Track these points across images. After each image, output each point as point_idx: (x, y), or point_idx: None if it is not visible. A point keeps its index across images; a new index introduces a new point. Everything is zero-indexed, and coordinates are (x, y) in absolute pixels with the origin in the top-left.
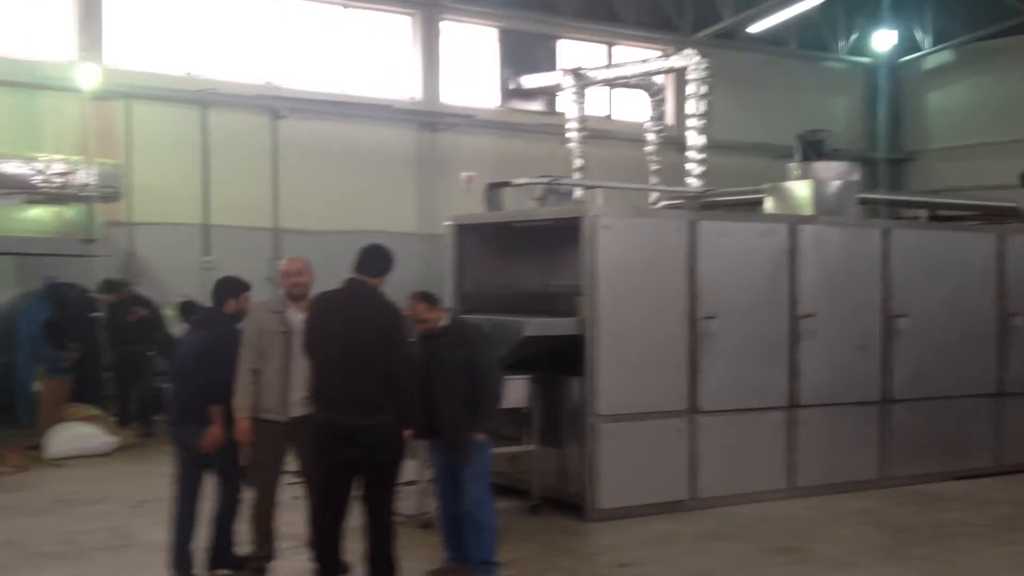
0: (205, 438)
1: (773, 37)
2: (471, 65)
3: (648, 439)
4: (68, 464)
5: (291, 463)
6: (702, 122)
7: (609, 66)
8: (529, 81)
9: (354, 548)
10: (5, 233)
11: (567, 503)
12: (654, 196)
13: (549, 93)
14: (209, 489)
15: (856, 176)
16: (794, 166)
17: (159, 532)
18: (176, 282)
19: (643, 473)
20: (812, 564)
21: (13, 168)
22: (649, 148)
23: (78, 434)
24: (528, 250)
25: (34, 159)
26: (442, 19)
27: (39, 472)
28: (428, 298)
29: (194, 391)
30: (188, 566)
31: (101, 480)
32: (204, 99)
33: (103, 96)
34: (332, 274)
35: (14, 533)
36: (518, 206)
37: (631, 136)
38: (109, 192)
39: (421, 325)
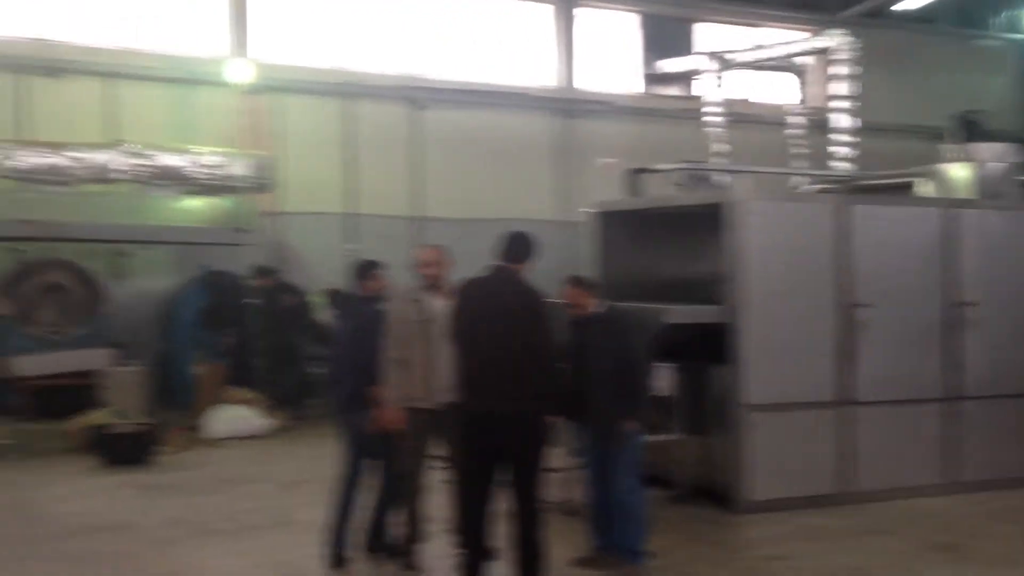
0: (368, 421)
1: (922, 15)
2: (609, 51)
3: (797, 430)
4: (226, 445)
5: (438, 449)
6: (849, 104)
7: (752, 48)
8: (668, 65)
9: (501, 534)
10: (164, 223)
11: (712, 494)
12: (797, 180)
13: (688, 77)
14: (369, 475)
15: (1018, 157)
16: (950, 148)
17: (313, 512)
18: (323, 270)
19: (792, 465)
20: (974, 562)
21: (171, 161)
22: (792, 131)
23: (234, 416)
24: (669, 236)
25: (190, 152)
26: (580, 5)
27: (200, 452)
28: (582, 283)
29: (351, 377)
30: (342, 547)
31: (257, 461)
32: (349, 91)
33: (253, 90)
34: (472, 262)
35: (180, 510)
36: (658, 192)
37: (772, 119)
38: (260, 183)
39: (573, 310)
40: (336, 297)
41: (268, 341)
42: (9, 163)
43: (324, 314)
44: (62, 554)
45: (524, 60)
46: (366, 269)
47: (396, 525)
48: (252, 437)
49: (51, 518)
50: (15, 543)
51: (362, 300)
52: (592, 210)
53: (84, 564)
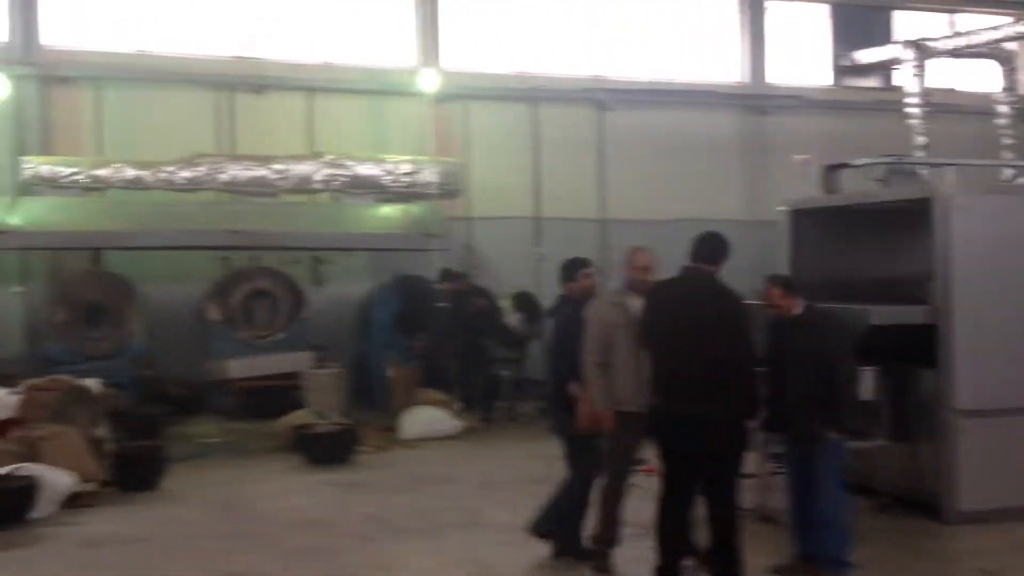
0: (571, 422)
1: None
2: (798, 43)
3: (1011, 436)
4: (419, 445)
5: (644, 452)
6: None
7: (953, 35)
8: (862, 56)
9: (699, 539)
10: (359, 231)
11: (919, 503)
12: (1009, 173)
13: (884, 68)
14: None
15: None
16: None
17: (505, 513)
18: (510, 273)
19: (1006, 474)
20: None
21: (366, 170)
22: (1000, 121)
23: (427, 418)
24: (868, 234)
25: (384, 161)
26: None
27: (395, 452)
28: (783, 283)
29: (557, 377)
30: (545, 534)
31: (450, 462)
32: (534, 95)
33: (442, 98)
34: (660, 264)
35: (378, 508)
36: (854, 188)
37: (976, 109)
38: (450, 189)
39: (772, 311)
40: (523, 300)
41: (457, 344)
42: (219, 176)
43: (511, 317)
44: (273, 548)
45: (710, 56)
46: (573, 268)
47: (591, 527)
48: (444, 438)
49: (261, 514)
50: (231, 537)
51: (568, 300)
52: (787, 208)
53: (294, 558)
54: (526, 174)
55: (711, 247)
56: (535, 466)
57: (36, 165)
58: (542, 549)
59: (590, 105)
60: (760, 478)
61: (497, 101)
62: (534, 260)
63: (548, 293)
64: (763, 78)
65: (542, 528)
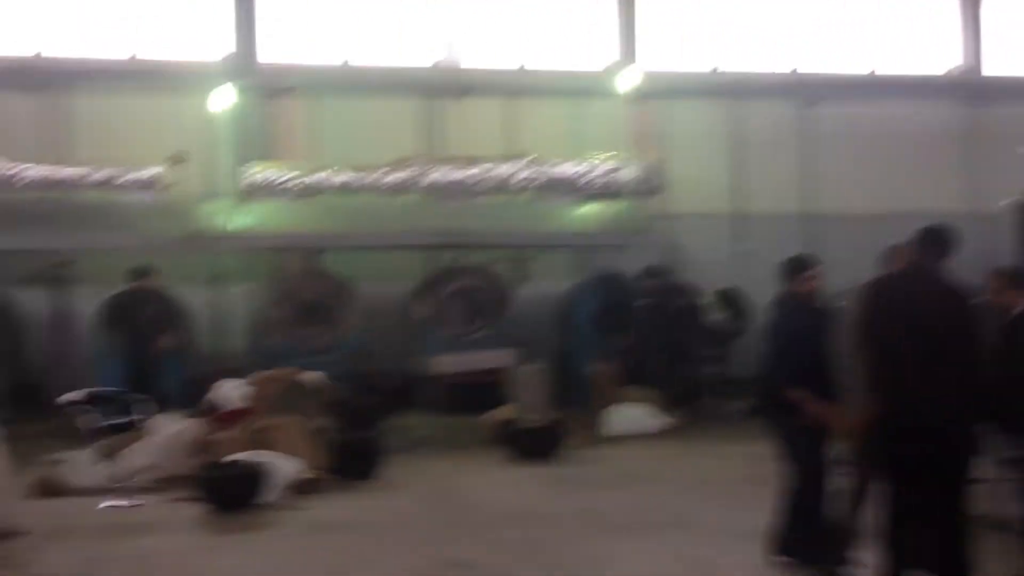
0: (801, 420)
1: None
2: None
3: None
4: (623, 442)
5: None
6: None
7: None
8: None
9: (928, 549)
10: (561, 229)
11: None
12: None
13: None
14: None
15: None
16: None
17: (717, 513)
18: (713, 271)
19: None
20: None
21: (565, 169)
22: None
23: (631, 415)
24: None
25: (584, 160)
26: None
27: (598, 449)
28: (1009, 276)
29: (776, 379)
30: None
31: (654, 459)
32: (735, 91)
33: (642, 97)
34: (871, 260)
35: (585, 504)
36: None
37: None
38: (650, 187)
39: (1003, 308)
40: (726, 298)
41: (660, 341)
42: (424, 179)
43: (715, 314)
44: (487, 539)
45: (923, 46)
46: (797, 268)
47: (824, 530)
48: (647, 435)
49: (474, 505)
50: (445, 527)
51: (790, 300)
52: (1017, 201)
53: (507, 549)
54: (728, 170)
55: (935, 241)
56: (743, 466)
57: (257, 171)
58: (760, 551)
59: (794, 99)
60: (993, 484)
61: (697, 98)
62: (738, 256)
63: (753, 290)
64: (982, 67)
65: (785, 547)
